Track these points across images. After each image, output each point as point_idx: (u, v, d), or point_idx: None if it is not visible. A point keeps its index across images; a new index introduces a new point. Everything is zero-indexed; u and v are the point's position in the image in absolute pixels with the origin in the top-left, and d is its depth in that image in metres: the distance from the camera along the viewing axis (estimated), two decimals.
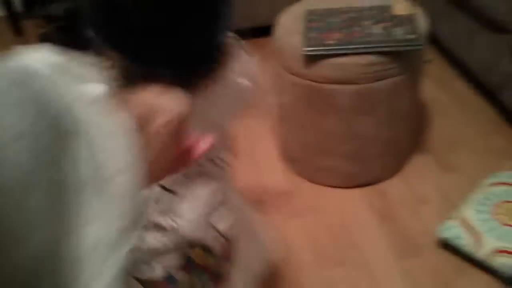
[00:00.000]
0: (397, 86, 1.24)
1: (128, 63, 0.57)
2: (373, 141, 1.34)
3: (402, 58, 1.19)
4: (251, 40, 2.06)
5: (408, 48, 1.16)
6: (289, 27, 1.34)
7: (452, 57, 1.87)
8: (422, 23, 1.26)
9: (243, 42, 0.75)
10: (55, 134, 0.38)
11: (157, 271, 0.72)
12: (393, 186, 1.45)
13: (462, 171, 1.47)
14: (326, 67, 1.21)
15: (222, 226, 0.77)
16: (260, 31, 2.04)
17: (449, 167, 1.49)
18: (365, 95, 1.23)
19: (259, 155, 1.65)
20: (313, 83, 1.25)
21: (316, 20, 1.29)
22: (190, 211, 0.72)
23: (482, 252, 1.14)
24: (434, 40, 1.95)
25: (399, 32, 1.18)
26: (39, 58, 0.44)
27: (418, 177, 1.47)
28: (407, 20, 1.23)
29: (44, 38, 2.46)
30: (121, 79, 0.55)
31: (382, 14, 1.27)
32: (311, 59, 1.21)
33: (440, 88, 1.80)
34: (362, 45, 1.16)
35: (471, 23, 1.65)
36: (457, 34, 1.76)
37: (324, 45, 1.19)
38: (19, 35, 2.70)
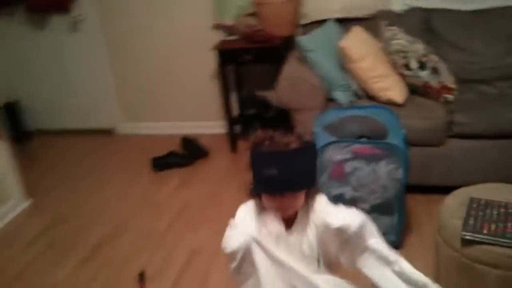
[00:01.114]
0: None
1: None
2: None
3: None
4: (425, 196, 2.37)
5: None
6: (453, 209, 1.67)
7: None
8: None
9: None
10: None
11: None
12: None
13: None
14: (479, 251, 1.50)
15: None
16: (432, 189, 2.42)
17: None
18: (509, 280, 1.47)
19: None
20: (466, 260, 1.53)
21: (476, 209, 1.61)
22: None
23: None
24: None
25: None
26: None
27: None
28: None
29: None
30: None
31: None
32: (467, 242, 1.51)
33: None
34: (511, 241, 1.44)
35: None
36: None
37: (480, 233, 1.49)
38: (234, 151, 3.47)
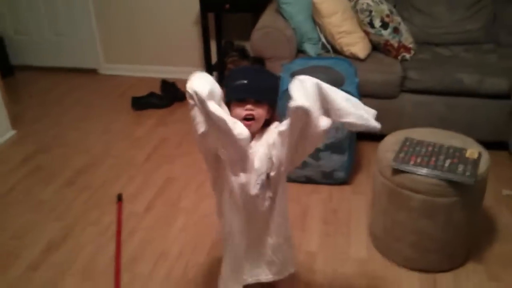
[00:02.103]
0: (453, 204, 1.77)
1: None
2: (431, 239, 1.86)
3: (459, 186, 1.73)
4: (377, 143, 2.62)
5: (461, 181, 1.70)
6: (390, 145, 1.97)
7: None
8: (484, 165, 1.79)
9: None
10: None
11: None
12: (445, 280, 1.91)
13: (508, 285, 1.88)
14: (405, 179, 1.80)
15: None
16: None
17: (496, 278, 1.91)
18: (429, 204, 1.78)
19: (352, 225, 2.27)
20: (394, 187, 1.84)
21: (408, 146, 1.90)
22: None
23: None
24: None
25: (460, 169, 1.73)
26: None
27: (466, 280, 1.91)
28: (472, 161, 1.77)
29: None
30: None
31: (456, 153, 1.83)
32: (396, 171, 1.81)
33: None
34: (431, 171, 1.74)
35: None
36: None
37: (406, 164, 1.79)
38: None
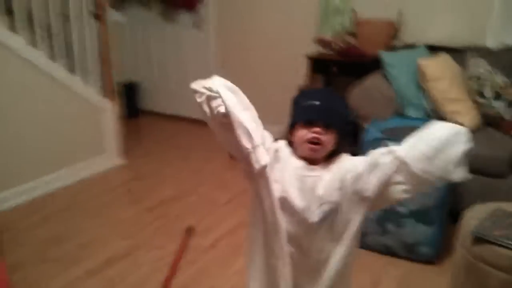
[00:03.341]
0: None
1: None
2: None
3: None
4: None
5: None
6: (478, 213, 1.70)
7: None
8: None
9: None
10: None
11: None
12: None
13: None
14: (485, 250, 1.52)
15: None
16: None
17: None
18: (511, 285, 1.46)
19: None
20: (473, 260, 1.55)
21: (498, 216, 1.62)
22: None
23: None
24: None
25: None
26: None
27: None
28: None
29: None
30: None
31: None
32: (476, 240, 1.54)
33: None
34: None
35: None
36: None
37: (490, 234, 1.51)
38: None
